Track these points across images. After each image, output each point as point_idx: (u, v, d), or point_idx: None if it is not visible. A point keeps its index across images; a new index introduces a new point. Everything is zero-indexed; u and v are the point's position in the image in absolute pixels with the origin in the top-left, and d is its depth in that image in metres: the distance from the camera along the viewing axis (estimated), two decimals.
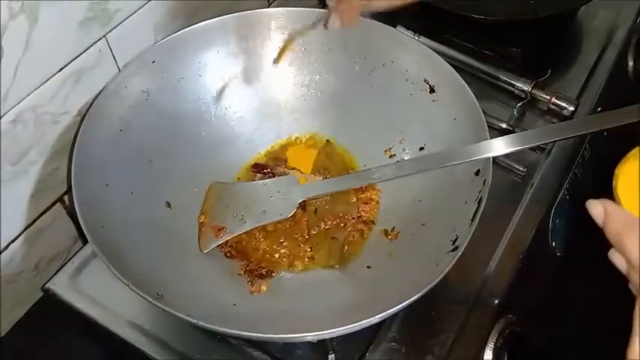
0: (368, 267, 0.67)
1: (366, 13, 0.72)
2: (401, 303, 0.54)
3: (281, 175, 0.74)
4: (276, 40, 0.77)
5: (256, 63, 0.77)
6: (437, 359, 0.64)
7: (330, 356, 0.64)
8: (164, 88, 0.72)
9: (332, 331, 0.54)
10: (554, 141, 0.75)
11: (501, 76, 0.85)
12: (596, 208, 0.44)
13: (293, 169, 0.76)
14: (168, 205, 0.70)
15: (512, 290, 0.70)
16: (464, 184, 0.65)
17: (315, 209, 0.71)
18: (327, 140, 0.78)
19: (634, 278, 0.42)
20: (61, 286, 0.70)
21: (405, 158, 0.74)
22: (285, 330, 0.55)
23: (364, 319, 0.54)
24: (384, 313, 0.54)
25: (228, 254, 0.69)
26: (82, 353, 0.71)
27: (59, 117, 0.66)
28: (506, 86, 0.85)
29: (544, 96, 0.83)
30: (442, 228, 0.64)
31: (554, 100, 0.82)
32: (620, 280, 0.44)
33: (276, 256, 0.69)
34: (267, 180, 0.73)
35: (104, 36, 0.67)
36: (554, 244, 0.80)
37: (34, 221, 0.69)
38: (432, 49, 0.74)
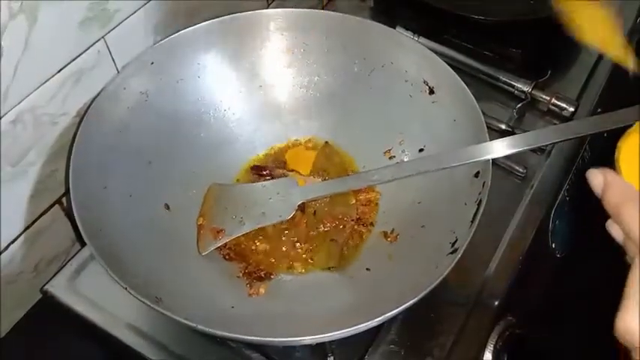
0: (367, 269, 0.67)
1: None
2: (400, 306, 0.54)
3: (280, 176, 0.74)
4: (275, 40, 0.77)
5: (255, 64, 0.77)
6: None
7: (329, 359, 0.64)
8: (163, 90, 0.72)
9: (331, 334, 0.54)
10: (555, 143, 0.75)
11: (501, 77, 0.85)
12: (597, 178, 0.44)
13: (292, 170, 0.76)
14: (167, 207, 0.69)
15: (512, 292, 0.70)
16: (463, 186, 0.65)
17: (315, 211, 0.71)
18: (326, 142, 0.78)
19: (630, 249, 0.42)
20: (59, 288, 0.69)
21: (405, 160, 0.74)
22: (284, 333, 0.55)
23: (363, 323, 0.54)
24: (383, 317, 0.54)
25: (227, 256, 0.68)
26: (80, 355, 0.71)
27: (58, 118, 0.66)
28: (505, 87, 0.85)
29: (544, 97, 0.83)
30: (441, 230, 0.64)
31: (554, 100, 0.82)
32: (620, 277, 0.44)
33: (275, 258, 0.69)
34: (266, 182, 0.73)
35: (103, 37, 0.67)
36: (554, 245, 0.80)
37: (33, 222, 0.69)
38: (431, 49, 0.73)
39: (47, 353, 0.70)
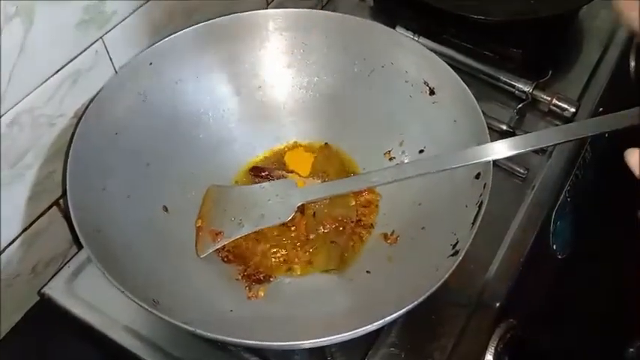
0: (367, 272, 0.67)
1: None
2: (400, 309, 0.54)
3: (279, 178, 0.74)
4: (274, 41, 0.76)
5: (255, 64, 0.77)
6: None
7: None
8: (161, 91, 0.72)
9: (330, 338, 0.53)
10: (556, 144, 0.75)
11: (502, 77, 0.84)
12: (635, 157, 0.43)
13: (291, 172, 0.75)
14: (165, 209, 0.69)
15: (513, 294, 0.69)
16: (464, 188, 0.64)
17: (314, 213, 0.71)
18: (326, 143, 0.77)
19: None
20: (57, 290, 0.69)
21: (405, 161, 0.74)
22: (283, 337, 0.55)
23: (363, 327, 0.53)
24: (382, 320, 0.54)
25: (226, 259, 0.68)
26: (78, 358, 0.71)
27: (55, 119, 0.66)
28: (506, 87, 0.84)
29: (545, 97, 0.82)
30: (442, 232, 0.63)
31: (555, 101, 0.82)
32: (621, 278, 0.44)
33: (274, 260, 0.68)
34: (265, 183, 0.72)
35: (101, 37, 0.67)
36: (555, 246, 0.79)
37: (30, 224, 0.68)
38: (431, 49, 0.73)
39: (45, 356, 0.70)
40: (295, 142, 0.78)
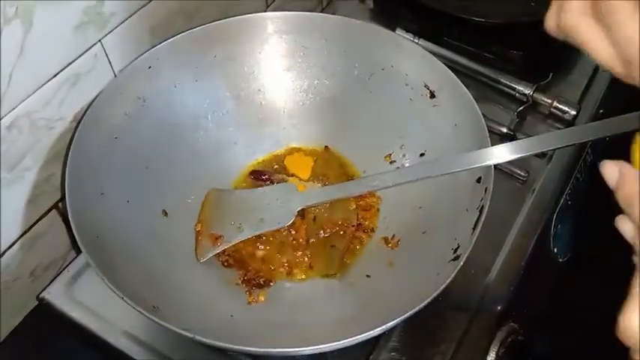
0: (367, 276, 0.66)
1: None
2: (402, 315, 0.54)
3: (279, 181, 0.74)
4: (274, 44, 0.76)
5: (254, 67, 0.77)
6: None
7: None
8: (160, 94, 0.71)
9: (330, 344, 0.53)
10: (557, 148, 0.75)
11: (502, 80, 0.84)
12: (611, 170, 0.42)
13: (292, 175, 0.75)
14: (165, 213, 0.69)
15: (514, 297, 0.69)
16: (465, 192, 0.64)
17: (314, 217, 0.70)
18: (326, 146, 0.77)
19: None
20: (56, 295, 0.69)
21: (406, 164, 0.73)
22: (283, 343, 0.54)
23: (364, 333, 0.53)
24: (384, 326, 0.53)
25: (226, 263, 0.68)
26: None
27: (54, 123, 0.66)
28: (506, 90, 0.84)
29: (545, 100, 0.82)
30: (443, 236, 0.63)
31: (555, 104, 0.81)
32: (623, 282, 0.43)
33: (275, 265, 0.68)
34: (265, 187, 0.72)
35: (100, 40, 0.66)
36: (556, 250, 0.79)
37: (29, 228, 0.68)
38: (431, 51, 0.73)
39: None
40: (295, 146, 0.78)
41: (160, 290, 0.60)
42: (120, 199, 0.65)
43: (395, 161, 0.74)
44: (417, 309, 0.54)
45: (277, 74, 0.77)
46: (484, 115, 0.66)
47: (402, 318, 0.54)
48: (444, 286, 0.55)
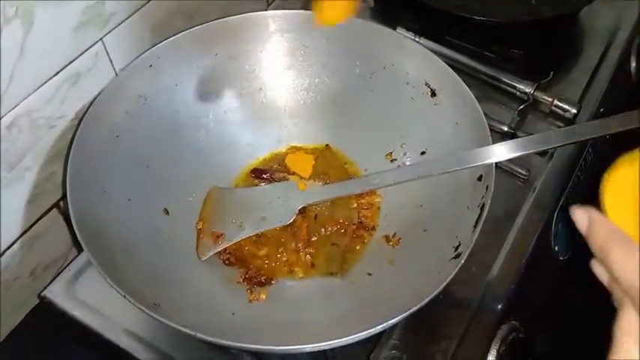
0: (369, 274, 0.66)
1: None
2: (403, 313, 0.54)
3: (280, 180, 0.74)
4: (275, 42, 0.76)
5: (255, 66, 0.77)
6: None
7: None
8: (161, 93, 0.72)
9: (331, 342, 0.53)
10: (557, 146, 0.75)
11: (503, 78, 0.84)
12: (581, 217, 0.42)
13: (293, 174, 0.75)
14: (166, 211, 0.69)
15: (515, 295, 0.69)
16: (466, 190, 0.64)
17: (315, 215, 0.71)
18: (327, 144, 0.77)
19: (616, 292, 0.40)
20: (57, 293, 0.69)
21: (407, 163, 0.73)
22: (285, 341, 0.54)
23: (364, 331, 0.53)
24: (384, 324, 0.53)
25: (227, 261, 0.68)
26: None
27: (55, 121, 0.66)
28: (507, 88, 0.84)
29: (546, 98, 0.82)
30: (444, 234, 0.63)
31: (556, 102, 0.81)
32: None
33: (276, 263, 0.68)
34: (266, 186, 0.72)
35: (101, 39, 0.67)
36: (557, 248, 0.79)
37: (30, 227, 0.68)
38: (432, 50, 0.73)
39: (45, 359, 0.69)
40: (296, 144, 0.78)
41: (161, 288, 0.60)
42: (121, 197, 0.65)
43: (396, 159, 0.74)
44: (418, 307, 0.54)
45: (278, 73, 0.77)
46: (485, 114, 0.66)
47: (403, 316, 0.54)
48: (444, 283, 0.55)
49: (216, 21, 0.73)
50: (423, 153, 0.72)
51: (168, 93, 0.72)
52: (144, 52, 0.71)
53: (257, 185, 0.74)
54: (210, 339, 0.53)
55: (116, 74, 0.70)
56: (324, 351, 0.63)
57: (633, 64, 0.94)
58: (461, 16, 0.84)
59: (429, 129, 0.72)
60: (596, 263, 0.42)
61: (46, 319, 0.69)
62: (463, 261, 0.57)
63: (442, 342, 0.65)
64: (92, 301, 0.68)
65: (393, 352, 0.65)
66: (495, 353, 0.66)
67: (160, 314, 0.54)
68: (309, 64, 0.77)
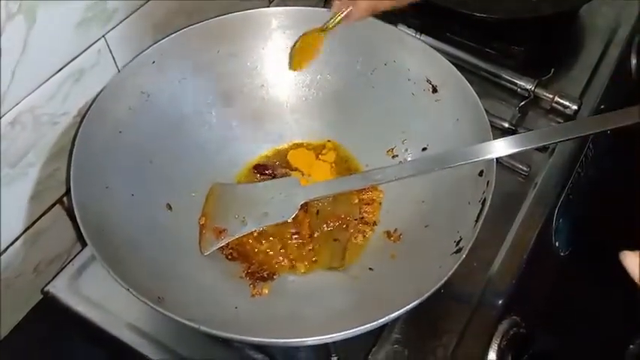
0: (370, 269, 0.67)
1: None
2: (403, 307, 0.54)
3: (283, 176, 0.74)
4: (277, 39, 0.76)
5: (257, 63, 0.77)
6: None
7: (332, 359, 0.64)
8: (164, 89, 0.72)
9: (333, 335, 0.54)
10: (558, 142, 0.75)
11: (504, 75, 0.84)
12: (631, 261, 0.41)
13: (295, 169, 0.75)
14: (169, 206, 0.69)
15: (515, 291, 0.70)
16: (467, 185, 0.65)
17: (317, 211, 0.71)
18: (328, 140, 0.77)
19: None
20: (60, 288, 0.69)
21: (408, 158, 0.74)
22: (287, 334, 0.55)
23: (366, 324, 0.53)
24: (386, 318, 0.54)
25: (230, 257, 0.68)
26: (82, 356, 0.71)
27: (58, 118, 0.66)
28: (508, 85, 0.84)
29: (547, 95, 0.82)
30: (445, 229, 0.64)
31: (557, 99, 0.82)
32: (624, 280, 0.43)
33: (278, 258, 0.68)
34: (268, 181, 0.73)
35: (103, 36, 0.67)
36: (557, 243, 0.79)
37: (33, 223, 0.68)
38: (433, 47, 0.73)
39: (48, 354, 0.70)
40: (298, 140, 0.78)
41: (165, 283, 0.60)
42: (124, 192, 0.66)
43: (397, 155, 0.74)
44: (419, 301, 0.54)
45: (280, 69, 0.77)
46: (486, 110, 0.66)
47: (404, 310, 0.54)
48: (445, 278, 0.55)
49: (218, 18, 0.74)
50: (424, 149, 0.73)
51: (171, 89, 0.72)
52: (146, 49, 0.71)
53: (259, 181, 0.74)
54: (214, 332, 0.53)
55: (119, 71, 0.70)
56: (326, 344, 0.63)
57: (633, 62, 0.95)
58: (462, 13, 0.84)
59: (430, 125, 0.72)
60: (628, 255, 0.41)
61: (50, 314, 0.70)
62: (464, 256, 0.57)
63: (443, 336, 0.65)
64: (96, 296, 0.68)
65: (395, 346, 0.65)
66: (496, 348, 0.67)
67: (164, 307, 0.54)
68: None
